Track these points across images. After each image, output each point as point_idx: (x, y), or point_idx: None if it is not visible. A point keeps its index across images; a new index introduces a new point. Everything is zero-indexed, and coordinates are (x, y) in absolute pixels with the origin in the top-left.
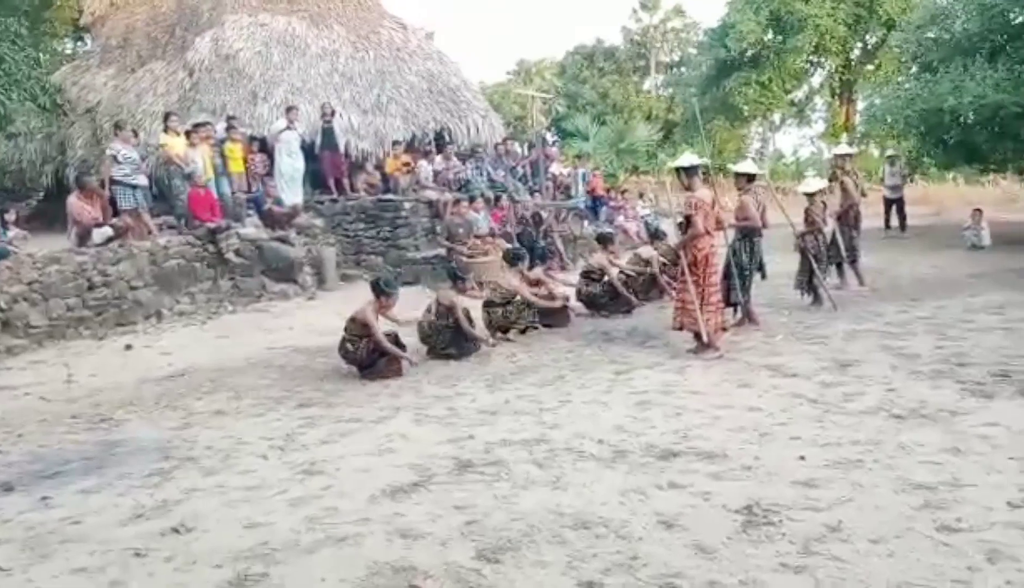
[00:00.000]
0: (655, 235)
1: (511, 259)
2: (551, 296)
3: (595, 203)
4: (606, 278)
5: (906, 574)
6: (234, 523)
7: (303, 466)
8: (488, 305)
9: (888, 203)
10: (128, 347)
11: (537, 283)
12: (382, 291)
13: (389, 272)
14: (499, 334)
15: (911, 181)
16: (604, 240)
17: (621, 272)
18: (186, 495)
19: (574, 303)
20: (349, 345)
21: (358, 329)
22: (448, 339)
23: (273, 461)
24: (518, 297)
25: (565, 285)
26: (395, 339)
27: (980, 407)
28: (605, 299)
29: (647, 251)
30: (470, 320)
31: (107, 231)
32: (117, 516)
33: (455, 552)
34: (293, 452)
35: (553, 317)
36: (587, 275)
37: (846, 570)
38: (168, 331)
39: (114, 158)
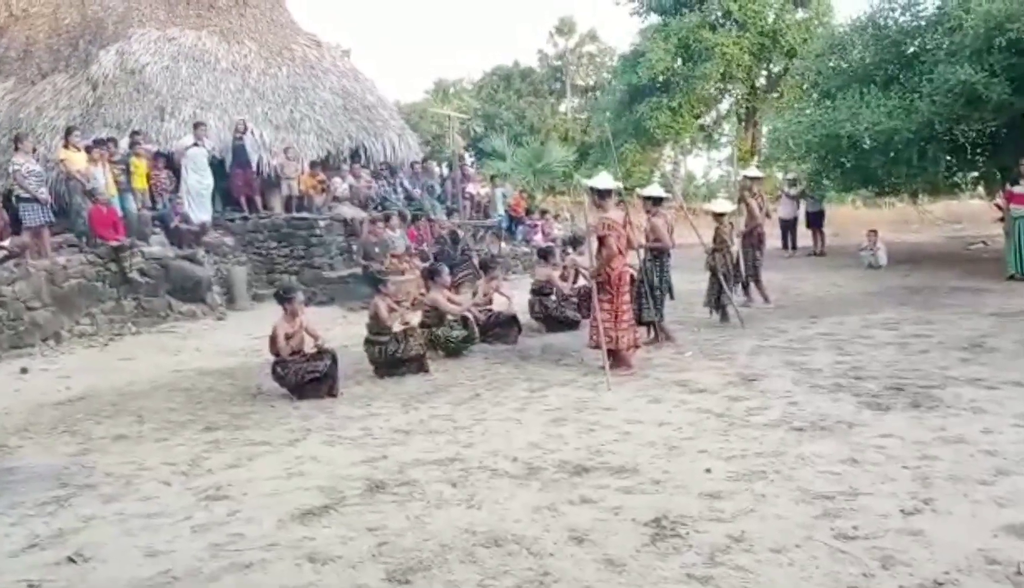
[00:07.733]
0: (574, 241)
1: (429, 275)
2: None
3: (511, 222)
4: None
5: (806, 581)
6: (134, 552)
7: (208, 492)
8: (425, 326)
9: (785, 224)
10: (24, 371)
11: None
12: (283, 298)
13: (304, 289)
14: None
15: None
16: (546, 254)
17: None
18: (84, 523)
19: (527, 320)
20: (279, 368)
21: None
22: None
23: (176, 487)
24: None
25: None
26: (331, 355)
27: (876, 419)
28: (559, 313)
29: (571, 260)
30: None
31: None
32: (9, 546)
33: (365, 575)
34: (198, 477)
35: (501, 332)
36: (538, 291)
37: (749, 579)
38: (67, 354)
39: (19, 173)
